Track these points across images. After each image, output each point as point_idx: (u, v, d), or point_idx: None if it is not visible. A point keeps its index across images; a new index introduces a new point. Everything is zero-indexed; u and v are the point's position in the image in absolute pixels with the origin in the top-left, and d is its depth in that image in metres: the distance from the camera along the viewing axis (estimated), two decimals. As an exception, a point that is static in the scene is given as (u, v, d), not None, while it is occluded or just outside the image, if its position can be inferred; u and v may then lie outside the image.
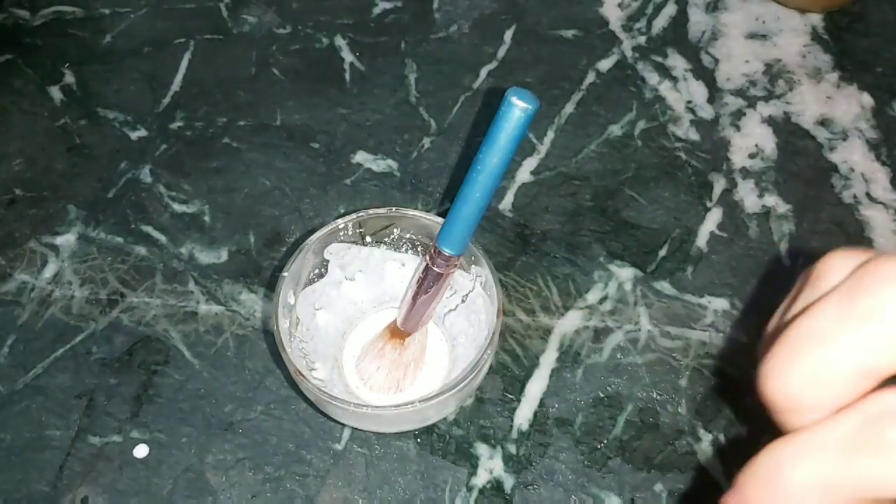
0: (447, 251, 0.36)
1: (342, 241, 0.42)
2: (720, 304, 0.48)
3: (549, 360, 0.46)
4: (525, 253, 0.50)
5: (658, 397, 0.44)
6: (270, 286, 0.48)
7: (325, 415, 0.43)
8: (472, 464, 0.42)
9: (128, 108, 0.57)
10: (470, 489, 0.42)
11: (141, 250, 0.50)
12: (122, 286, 0.49)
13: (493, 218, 0.51)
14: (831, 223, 0.51)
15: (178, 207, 0.52)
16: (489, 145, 0.32)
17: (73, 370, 0.45)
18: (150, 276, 0.49)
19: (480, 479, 0.42)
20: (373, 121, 0.56)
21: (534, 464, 0.42)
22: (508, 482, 0.42)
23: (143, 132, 0.56)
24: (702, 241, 0.51)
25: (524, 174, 0.54)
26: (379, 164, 0.54)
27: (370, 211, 0.42)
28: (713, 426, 0.44)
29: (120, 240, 0.51)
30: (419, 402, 0.36)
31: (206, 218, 0.52)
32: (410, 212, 0.42)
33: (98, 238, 0.51)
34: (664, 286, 0.49)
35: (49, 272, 0.49)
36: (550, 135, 0.56)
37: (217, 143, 0.55)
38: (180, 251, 0.50)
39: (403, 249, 0.44)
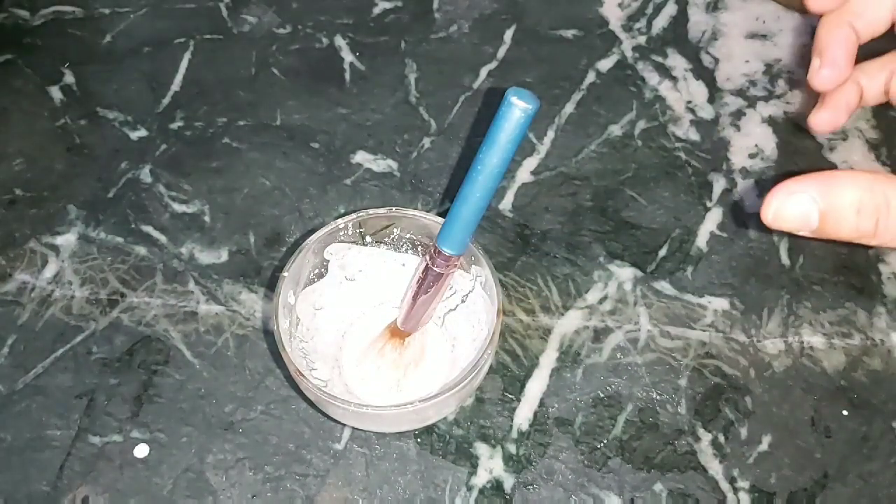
0: (447, 251, 0.36)
1: (342, 241, 0.42)
2: (720, 304, 0.48)
3: (549, 360, 0.46)
4: (525, 253, 0.50)
5: (658, 397, 0.45)
6: (270, 286, 0.48)
7: (325, 415, 0.43)
8: (472, 464, 0.42)
9: (128, 108, 0.57)
10: (470, 489, 0.42)
11: (141, 250, 0.50)
12: (122, 286, 0.49)
13: (493, 218, 0.51)
14: (831, 223, 0.51)
15: (178, 207, 0.52)
16: (489, 145, 0.32)
17: (74, 370, 0.45)
18: (151, 276, 0.49)
19: (480, 478, 0.42)
20: (373, 121, 0.57)
21: (534, 464, 0.42)
22: (508, 482, 0.42)
23: (143, 132, 0.56)
24: (702, 241, 0.51)
25: (524, 174, 0.54)
26: (379, 164, 0.54)
27: (370, 211, 0.42)
28: (713, 426, 0.44)
29: (120, 240, 0.51)
30: (419, 402, 0.36)
31: (206, 218, 0.52)
32: (410, 212, 0.42)
33: (98, 238, 0.51)
34: (664, 286, 0.49)
35: (49, 272, 0.49)
36: (550, 135, 0.56)
37: (217, 143, 0.55)
38: (180, 251, 0.50)
39: (403, 249, 0.44)
